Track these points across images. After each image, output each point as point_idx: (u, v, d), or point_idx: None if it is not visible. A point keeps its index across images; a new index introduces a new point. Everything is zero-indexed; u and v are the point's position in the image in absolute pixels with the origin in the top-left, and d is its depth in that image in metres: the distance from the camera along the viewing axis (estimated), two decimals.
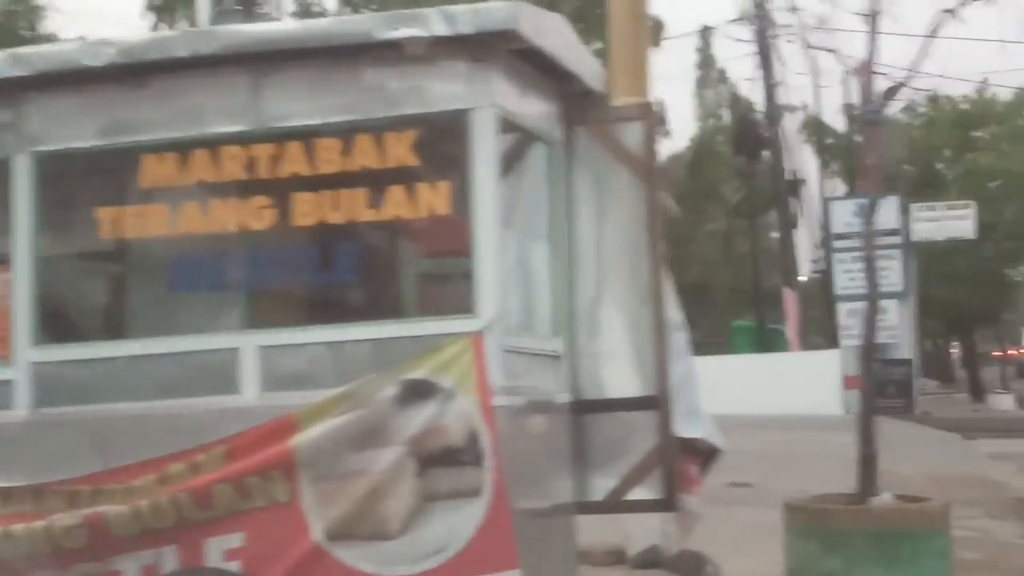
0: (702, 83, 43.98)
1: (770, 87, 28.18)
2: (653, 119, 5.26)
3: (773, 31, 26.98)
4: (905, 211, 25.29)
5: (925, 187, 32.08)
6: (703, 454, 6.81)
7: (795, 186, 30.85)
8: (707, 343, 31.95)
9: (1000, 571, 8.06)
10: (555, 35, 4.87)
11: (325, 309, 4.82)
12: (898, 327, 23.64)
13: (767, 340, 30.42)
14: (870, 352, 6.20)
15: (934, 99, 35.10)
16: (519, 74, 4.76)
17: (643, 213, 5.17)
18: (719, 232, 39.38)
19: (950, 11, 6.04)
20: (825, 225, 24.91)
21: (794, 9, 25.89)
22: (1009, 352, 42.28)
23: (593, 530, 6.29)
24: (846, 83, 25.75)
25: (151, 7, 31.41)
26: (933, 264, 30.77)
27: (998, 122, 34.84)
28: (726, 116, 41.33)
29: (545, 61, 4.85)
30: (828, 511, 5.91)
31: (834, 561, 5.76)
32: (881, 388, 23.12)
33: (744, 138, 31.13)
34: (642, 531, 6.73)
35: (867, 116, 6.61)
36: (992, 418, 25.46)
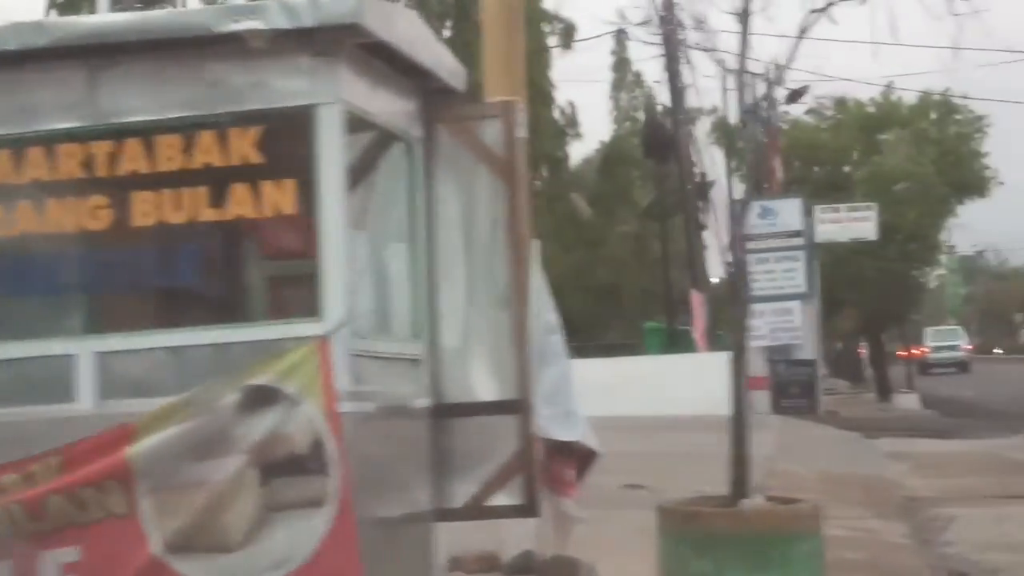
0: (617, 86, 44.13)
1: (676, 90, 28.27)
2: (515, 117, 5.16)
3: (679, 34, 27.08)
4: (808, 213, 25.58)
5: (833, 189, 32.48)
6: (580, 457, 6.73)
7: (704, 188, 31.01)
8: (620, 344, 32.03)
9: (880, 571, 8.07)
10: (407, 30, 4.74)
11: (167, 313, 4.66)
12: (802, 328, 23.87)
13: (677, 341, 30.55)
14: (741, 353, 6.18)
15: (841, 102, 35.57)
16: (370, 70, 4.62)
17: (504, 213, 5.08)
18: (631, 234, 39.54)
19: (820, 11, 6.02)
20: (731, 227, 25.06)
21: (672, 10, 25.98)
22: (912, 351, 42.97)
23: (466, 536, 6.17)
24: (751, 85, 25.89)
25: (53, 5, 30.76)
26: (840, 266, 31.15)
27: (903, 125, 35.38)
28: (642, 118, 41.49)
29: (399, 57, 4.72)
30: (698, 514, 5.84)
31: (705, 564, 5.70)
32: (785, 388, 23.41)
33: (653, 141, 31.21)
34: (516, 536, 6.63)
35: (743, 117, 6.59)
36: (895, 417, 25.82)
